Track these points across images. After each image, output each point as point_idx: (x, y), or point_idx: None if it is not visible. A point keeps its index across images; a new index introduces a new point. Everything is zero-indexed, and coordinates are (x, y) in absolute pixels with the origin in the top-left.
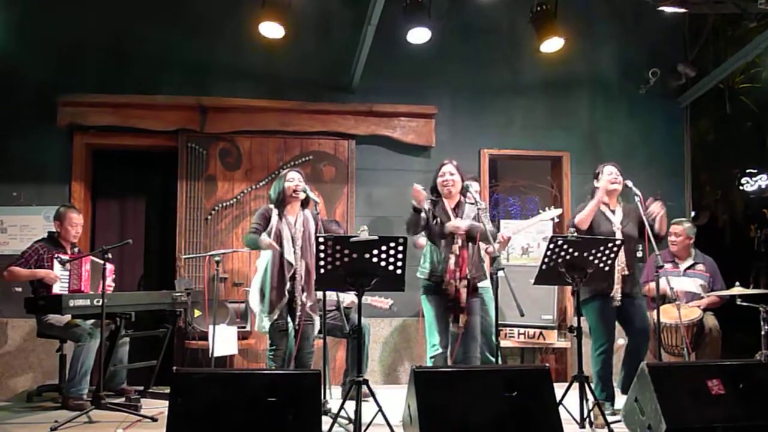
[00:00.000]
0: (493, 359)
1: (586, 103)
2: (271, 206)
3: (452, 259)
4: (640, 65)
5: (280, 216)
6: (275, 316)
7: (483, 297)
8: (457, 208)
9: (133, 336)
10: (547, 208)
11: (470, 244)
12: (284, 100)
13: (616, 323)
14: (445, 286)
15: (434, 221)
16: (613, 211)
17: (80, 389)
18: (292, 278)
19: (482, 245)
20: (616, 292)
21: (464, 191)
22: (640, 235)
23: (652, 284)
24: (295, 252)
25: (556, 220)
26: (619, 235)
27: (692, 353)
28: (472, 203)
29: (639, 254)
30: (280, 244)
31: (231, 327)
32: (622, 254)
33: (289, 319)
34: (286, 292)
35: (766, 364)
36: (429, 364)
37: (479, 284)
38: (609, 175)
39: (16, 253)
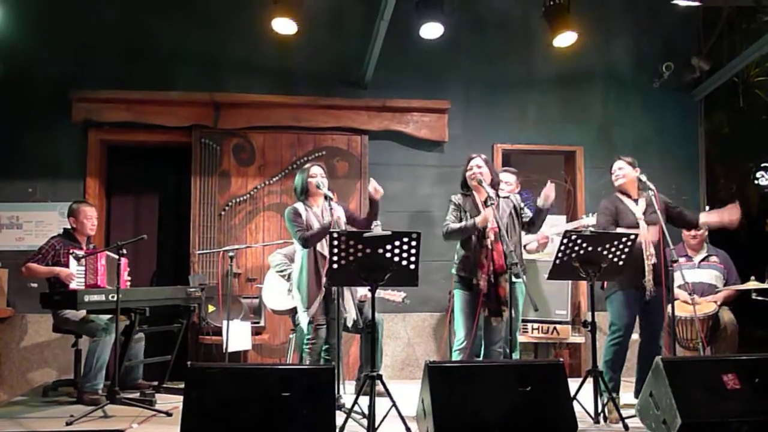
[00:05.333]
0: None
1: (600, 97)
2: (298, 204)
3: (483, 254)
4: (653, 59)
5: (306, 208)
6: (313, 311)
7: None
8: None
9: (148, 331)
10: (590, 215)
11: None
12: (297, 96)
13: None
14: (476, 281)
15: (465, 215)
16: (636, 201)
17: (95, 384)
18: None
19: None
20: (648, 282)
21: (496, 185)
22: (669, 220)
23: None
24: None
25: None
26: (643, 225)
27: (707, 347)
28: (506, 197)
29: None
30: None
31: (245, 322)
32: (650, 243)
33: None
34: (322, 287)
35: None
36: (455, 357)
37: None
38: (612, 174)
39: (31, 249)
